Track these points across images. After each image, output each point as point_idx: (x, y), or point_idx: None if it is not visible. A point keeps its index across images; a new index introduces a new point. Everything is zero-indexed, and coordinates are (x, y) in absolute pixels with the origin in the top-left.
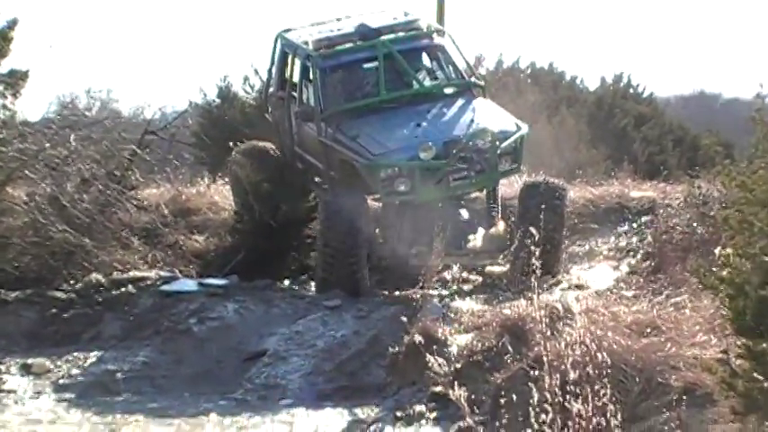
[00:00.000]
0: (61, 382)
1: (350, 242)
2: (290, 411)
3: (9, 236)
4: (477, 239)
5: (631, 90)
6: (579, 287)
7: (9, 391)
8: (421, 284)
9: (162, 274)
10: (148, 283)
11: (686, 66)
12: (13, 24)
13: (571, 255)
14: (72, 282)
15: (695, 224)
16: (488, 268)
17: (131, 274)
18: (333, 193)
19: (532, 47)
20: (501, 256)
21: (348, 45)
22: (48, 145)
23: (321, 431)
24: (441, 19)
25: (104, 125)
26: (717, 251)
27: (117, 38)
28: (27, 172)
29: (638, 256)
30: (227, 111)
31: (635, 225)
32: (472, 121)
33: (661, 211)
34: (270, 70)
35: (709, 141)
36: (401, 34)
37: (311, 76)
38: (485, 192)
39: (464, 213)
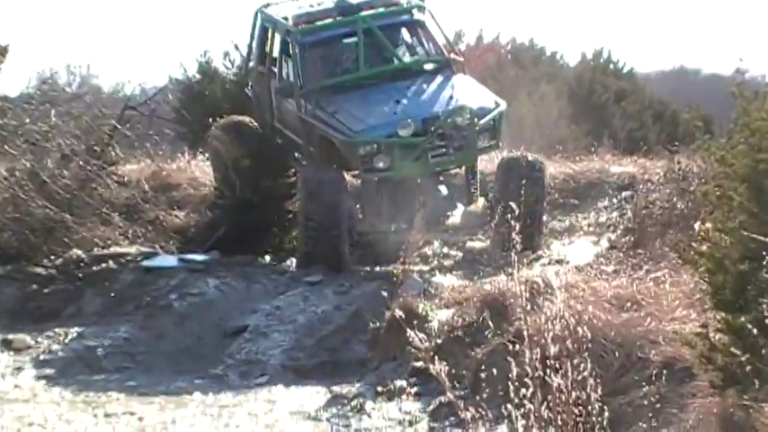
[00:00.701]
0: (42, 357)
1: (331, 217)
2: (270, 388)
3: None
4: (456, 215)
5: (611, 65)
6: (559, 262)
7: None
8: (402, 260)
9: (143, 249)
10: (129, 258)
11: (666, 41)
12: None
13: (551, 230)
14: (52, 258)
15: (675, 199)
16: (469, 243)
17: (112, 249)
18: (312, 169)
19: (513, 22)
20: (481, 232)
21: (328, 20)
22: (28, 120)
23: (302, 407)
24: None
25: (84, 101)
26: (696, 226)
27: (97, 13)
28: (7, 147)
29: (618, 232)
30: (208, 86)
31: (615, 200)
32: (451, 97)
33: (641, 186)
34: (250, 45)
35: (690, 116)
36: (381, 10)
37: (291, 52)
38: (464, 168)
39: (443, 189)
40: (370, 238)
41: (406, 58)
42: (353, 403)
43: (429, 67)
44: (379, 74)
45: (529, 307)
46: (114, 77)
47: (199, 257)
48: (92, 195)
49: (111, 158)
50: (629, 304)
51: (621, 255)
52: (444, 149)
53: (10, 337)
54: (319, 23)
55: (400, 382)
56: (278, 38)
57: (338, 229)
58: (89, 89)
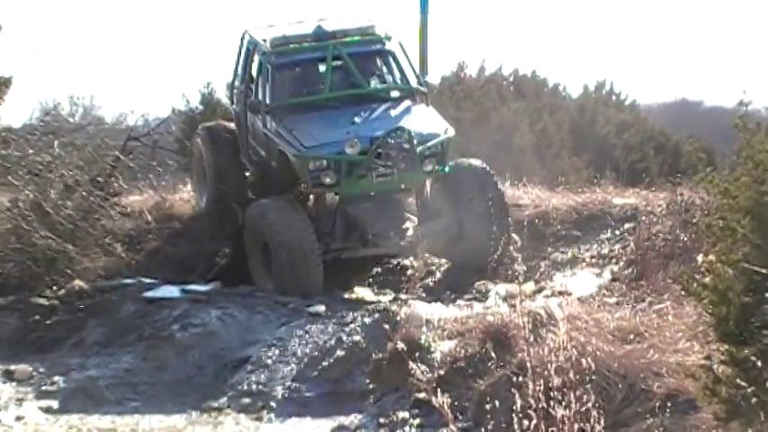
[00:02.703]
0: (44, 388)
1: (298, 239)
2: (272, 419)
3: None
4: (412, 231)
5: (614, 97)
6: (562, 294)
7: None
8: (404, 290)
9: (145, 280)
10: (131, 289)
11: (668, 73)
12: None
13: (554, 262)
14: (55, 288)
15: (678, 231)
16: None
17: (114, 280)
18: (267, 200)
19: (515, 54)
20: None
21: (302, 44)
22: (31, 151)
23: None
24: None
25: (88, 131)
26: (699, 258)
27: (100, 44)
28: (10, 178)
29: (621, 263)
30: (210, 117)
31: (617, 232)
32: (399, 121)
33: (643, 218)
34: (236, 66)
35: (693, 147)
36: (355, 38)
37: (264, 72)
38: (415, 190)
39: (400, 206)
40: (338, 254)
41: (374, 86)
42: None
43: (395, 94)
44: (343, 97)
45: (531, 338)
46: (117, 108)
47: (201, 288)
48: (94, 226)
49: (115, 189)
50: (631, 336)
51: (624, 286)
52: (388, 170)
53: (12, 367)
54: (293, 46)
55: (402, 414)
56: (257, 59)
57: (307, 250)
58: (92, 120)
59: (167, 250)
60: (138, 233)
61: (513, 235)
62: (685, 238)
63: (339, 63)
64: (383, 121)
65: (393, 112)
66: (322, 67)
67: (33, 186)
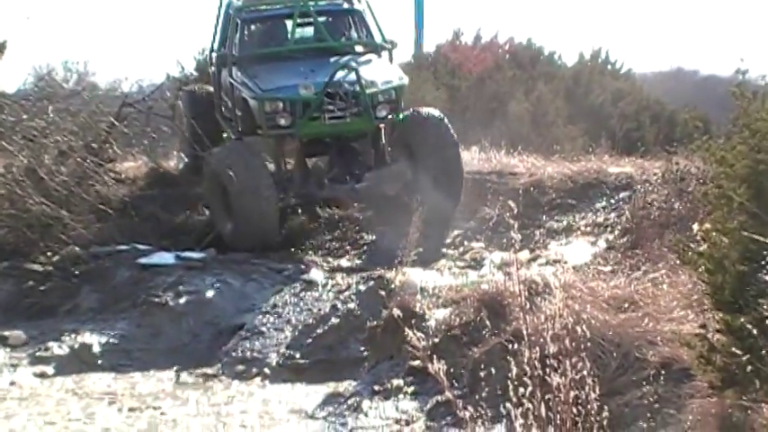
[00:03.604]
0: (38, 354)
1: (255, 184)
2: (266, 386)
3: None
4: (366, 176)
5: (609, 66)
6: (557, 262)
7: None
8: (399, 259)
9: (139, 247)
10: (126, 255)
11: (664, 42)
12: None
13: (549, 230)
14: (49, 254)
15: (673, 200)
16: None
17: (109, 246)
18: (221, 147)
19: (511, 22)
20: (480, 235)
21: (273, 2)
22: (25, 117)
23: (298, 405)
24: None
25: (82, 97)
26: (695, 227)
27: (94, 9)
28: (4, 144)
29: (616, 232)
30: (205, 83)
31: (613, 201)
32: (354, 68)
33: (639, 186)
34: (215, 30)
35: (689, 116)
36: None
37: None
38: (370, 135)
39: (357, 154)
40: (293, 201)
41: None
42: (350, 402)
43: (359, 49)
44: (307, 50)
45: (527, 306)
46: (111, 74)
47: (196, 255)
48: (89, 192)
49: (109, 155)
50: (626, 305)
51: (619, 255)
52: (341, 113)
53: (6, 333)
54: (263, 3)
55: (397, 381)
56: (232, 20)
57: (263, 192)
58: (86, 86)
59: (162, 216)
60: (133, 199)
61: (510, 202)
62: (681, 207)
63: (309, 21)
64: (339, 67)
65: (351, 62)
66: (291, 24)
67: (27, 152)
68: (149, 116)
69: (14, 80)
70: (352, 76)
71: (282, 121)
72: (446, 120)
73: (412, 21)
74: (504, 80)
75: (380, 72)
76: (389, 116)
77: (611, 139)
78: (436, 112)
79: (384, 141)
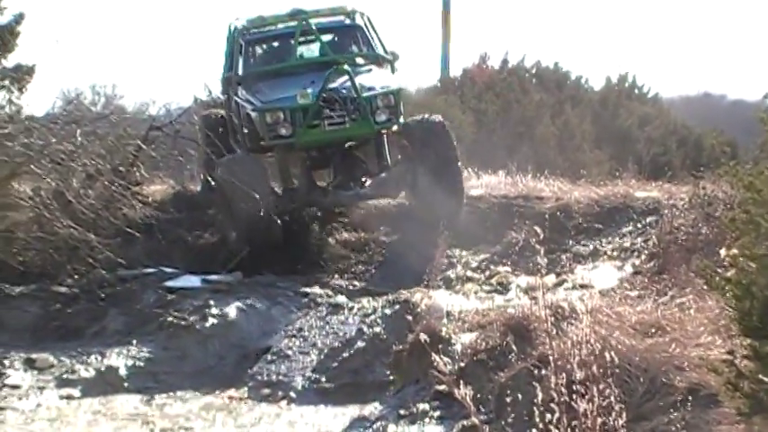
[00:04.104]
0: (65, 377)
1: (254, 191)
2: (292, 409)
3: (14, 230)
4: (369, 182)
5: (636, 90)
6: (584, 287)
7: (13, 386)
8: (425, 283)
9: (166, 270)
10: (152, 279)
11: (691, 66)
12: (19, 19)
13: (575, 254)
14: (76, 277)
15: (700, 225)
16: (493, 267)
17: (136, 270)
18: (225, 159)
19: (538, 46)
20: (507, 260)
21: (275, 21)
22: (53, 140)
23: (324, 428)
24: (446, 18)
25: (110, 121)
26: (722, 252)
27: (122, 33)
28: (32, 167)
29: (643, 257)
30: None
31: (639, 225)
32: (346, 71)
33: (666, 211)
34: (225, 54)
35: (716, 141)
36: (324, 13)
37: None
38: (373, 141)
39: (360, 161)
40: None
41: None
42: (376, 426)
43: (360, 61)
44: (310, 65)
45: (553, 331)
46: (139, 98)
47: (222, 278)
48: (116, 215)
49: (136, 178)
50: (653, 330)
51: (646, 280)
52: (340, 119)
53: (33, 356)
54: (266, 23)
55: (423, 406)
56: (236, 43)
57: (261, 200)
58: (114, 109)
59: (188, 239)
60: (159, 222)
61: (536, 227)
62: (708, 232)
63: (312, 39)
64: (332, 71)
65: (345, 66)
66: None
67: (55, 175)
68: (176, 139)
69: (43, 104)
70: (350, 84)
71: (283, 131)
72: (446, 125)
73: (439, 45)
74: (531, 104)
75: (378, 78)
76: (389, 121)
77: (637, 164)
78: (437, 118)
79: (386, 147)
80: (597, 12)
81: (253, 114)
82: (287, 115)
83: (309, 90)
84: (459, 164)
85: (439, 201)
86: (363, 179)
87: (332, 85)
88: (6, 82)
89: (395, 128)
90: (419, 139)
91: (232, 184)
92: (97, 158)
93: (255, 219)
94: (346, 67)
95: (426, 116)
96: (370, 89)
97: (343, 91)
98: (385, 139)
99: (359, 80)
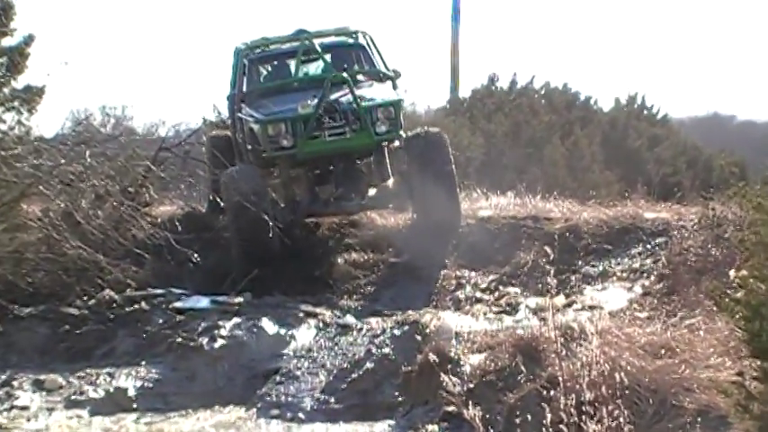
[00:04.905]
0: (73, 398)
1: (254, 204)
2: (302, 429)
3: (23, 251)
4: (370, 192)
5: (645, 111)
6: (593, 308)
7: (22, 408)
8: (434, 303)
9: (175, 291)
10: (161, 300)
11: (700, 87)
12: (29, 40)
13: (585, 275)
14: (85, 298)
15: (710, 246)
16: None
17: (145, 291)
18: (229, 170)
19: (547, 67)
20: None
21: (278, 41)
22: (63, 161)
23: None
24: (455, 39)
25: (119, 142)
26: (732, 273)
27: (132, 55)
28: (42, 188)
29: (652, 278)
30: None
31: (649, 246)
32: (344, 79)
33: (675, 232)
34: (231, 75)
35: (725, 162)
36: (326, 33)
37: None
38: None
39: (361, 172)
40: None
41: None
42: None
43: (361, 78)
44: (312, 82)
45: (563, 352)
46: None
47: (231, 299)
48: (125, 236)
49: (145, 199)
50: (663, 351)
51: (655, 301)
52: (341, 129)
53: (42, 377)
54: (269, 43)
55: (432, 427)
56: (240, 63)
57: (259, 212)
58: (124, 130)
59: (197, 261)
60: (168, 243)
61: (546, 247)
62: (717, 253)
63: (315, 58)
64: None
65: (344, 74)
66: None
67: (65, 196)
68: (185, 160)
69: (52, 125)
70: (350, 96)
71: (285, 142)
72: (445, 138)
73: (448, 66)
74: (541, 125)
75: (378, 91)
76: (389, 132)
77: (647, 185)
78: (435, 129)
79: (387, 158)
80: (607, 33)
81: (255, 127)
82: (288, 126)
83: (310, 102)
84: (455, 178)
85: (435, 214)
86: (365, 190)
87: (332, 96)
88: (16, 103)
89: (395, 140)
90: (417, 152)
91: (231, 195)
92: (106, 179)
93: (253, 229)
94: (345, 75)
95: (426, 129)
96: (370, 100)
97: (344, 102)
98: (386, 151)
99: (359, 93)
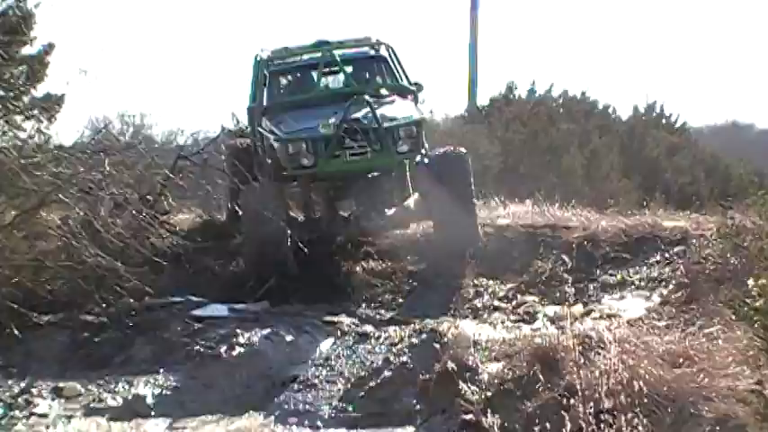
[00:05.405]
0: (92, 405)
1: (269, 222)
2: None
3: (42, 259)
4: (391, 210)
5: (664, 120)
6: (611, 316)
7: (40, 415)
8: (452, 312)
9: (193, 299)
10: (180, 308)
11: (719, 96)
12: (49, 49)
13: (603, 284)
14: (104, 306)
15: (728, 255)
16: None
17: (163, 299)
18: (249, 188)
19: (565, 75)
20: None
21: (299, 51)
22: (82, 169)
23: None
24: (473, 48)
25: (138, 150)
26: (750, 282)
27: (150, 64)
28: (61, 196)
29: (671, 287)
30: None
31: (667, 255)
32: (366, 101)
33: (693, 241)
34: (251, 84)
35: (744, 170)
36: (348, 44)
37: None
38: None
39: (382, 190)
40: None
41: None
42: None
43: (384, 92)
44: (334, 96)
45: (581, 361)
46: (167, 127)
47: (249, 307)
48: (144, 244)
49: (164, 208)
50: (681, 360)
51: (674, 310)
52: (362, 149)
53: (61, 384)
54: (290, 53)
55: None
56: (261, 73)
57: (274, 230)
58: (142, 139)
59: (216, 269)
60: (187, 251)
61: (564, 256)
62: (736, 262)
63: (336, 70)
64: (353, 102)
65: (373, 101)
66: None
67: (84, 204)
68: (204, 169)
69: (72, 133)
70: (360, 101)
71: (305, 161)
72: (467, 160)
73: (466, 75)
74: (559, 133)
75: (400, 109)
76: (411, 151)
77: (665, 193)
78: (459, 151)
79: (408, 177)
80: (625, 42)
81: (275, 145)
82: (309, 145)
83: (331, 120)
84: (474, 201)
85: (453, 236)
86: (385, 209)
87: (354, 116)
88: (36, 111)
89: (417, 158)
90: (439, 172)
91: (250, 212)
92: (125, 188)
93: (269, 250)
94: (367, 97)
95: (450, 149)
96: (391, 119)
97: (365, 121)
98: (407, 170)
99: (381, 111)
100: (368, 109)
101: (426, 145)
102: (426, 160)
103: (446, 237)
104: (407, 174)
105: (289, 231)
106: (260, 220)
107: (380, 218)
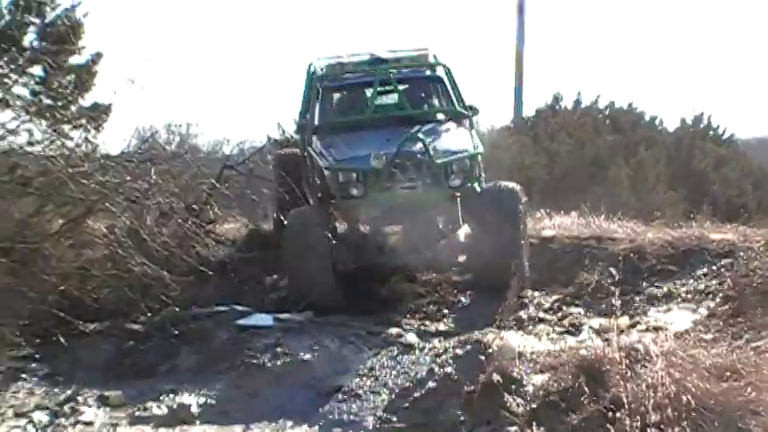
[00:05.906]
0: (137, 414)
1: (310, 245)
2: None
3: (89, 268)
4: (443, 242)
5: (711, 131)
6: (657, 329)
7: (86, 423)
8: (497, 323)
9: (238, 308)
10: (225, 317)
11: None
12: (97, 58)
13: (649, 296)
14: (149, 314)
15: None
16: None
17: (208, 308)
18: (297, 209)
19: (612, 86)
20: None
21: (354, 69)
22: (128, 178)
23: None
24: (520, 58)
25: (184, 159)
26: None
27: (198, 72)
28: (107, 205)
29: (718, 299)
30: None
31: (714, 268)
32: (427, 138)
33: (741, 253)
34: (302, 97)
35: None
36: (404, 64)
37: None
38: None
39: (431, 222)
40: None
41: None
42: None
43: (440, 117)
44: (387, 119)
45: (627, 374)
46: (213, 136)
47: (294, 317)
48: (189, 253)
49: (210, 217)
50: (728, 373)
51: (721, 323)
52: (413, 183)
53: (106, 392)
54: (344, 70)
55: None
56: (314, 88)
57: (316, 255)
58: (188, 148)
59: (261, 278)
60: (232, 261)
61: (610, 268)
62: None
63: (390, 89)
64: (406, 138)
65: (429, 132)
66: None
67: (130, 213)
68: (250, 178)
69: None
70: (414, 139)
71: (355, 191)
72: (520, 193)
73: (512, 86)
74: (605, 145)
75: (455, 140)
76: (464, 185)
77: (712, 206)
78: (511, 185)
79: (459, 210)
80: (672, 53)
81: (326, 172)
82: (359, 176)
83: (383, 152)
84: (523, 241)
85: (495, 276)
86: (434, 242)
87: (406, 149)
88: (83, 120)
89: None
90: (486, 207)
91: (295, 235)
92: (171, 197)
93: (312, 275)
94: (420, 135)
95: (501, 183)
96: (445, 153)
97: (418, 156)
98: (458, 202)
99: (435, 143)
100: (421, 145)
101: (483, 176)
102: (479, 190)
103: (486, 277)
104: (458, 206)
105: (333, 255)
106: (305, 247)
107: (428, 252)
